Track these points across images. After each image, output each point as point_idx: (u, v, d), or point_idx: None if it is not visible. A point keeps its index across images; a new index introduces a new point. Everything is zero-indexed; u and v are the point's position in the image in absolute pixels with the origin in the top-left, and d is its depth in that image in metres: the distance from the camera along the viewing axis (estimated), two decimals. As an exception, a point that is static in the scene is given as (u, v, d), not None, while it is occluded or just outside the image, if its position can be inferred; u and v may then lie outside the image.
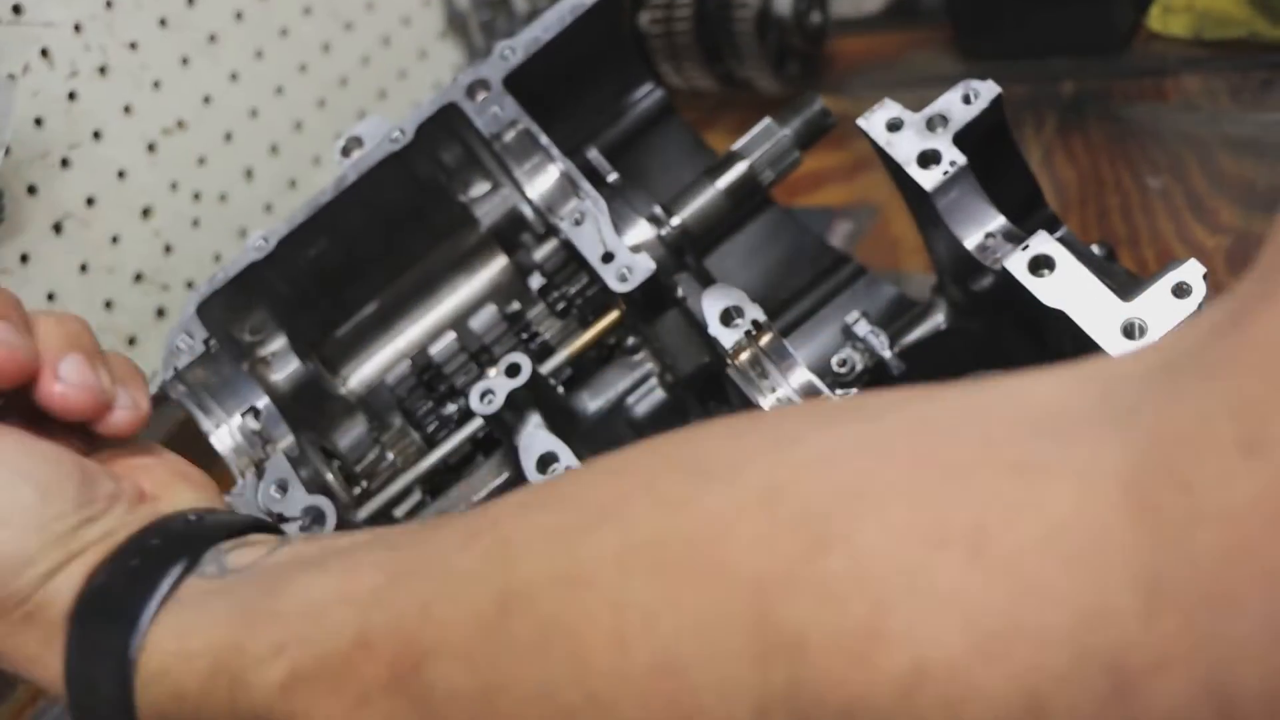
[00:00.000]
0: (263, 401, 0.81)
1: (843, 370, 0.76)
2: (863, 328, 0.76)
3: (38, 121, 1.08)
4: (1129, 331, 0.62)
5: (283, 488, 0.74)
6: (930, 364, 0.79)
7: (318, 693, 0.44)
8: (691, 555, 0.36)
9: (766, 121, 0.84)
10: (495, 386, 0.72)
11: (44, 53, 1.08)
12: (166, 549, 0.55)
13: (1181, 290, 0.62)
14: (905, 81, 1.32)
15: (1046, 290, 0.64)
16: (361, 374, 0.88)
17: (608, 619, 0.37)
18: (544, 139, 0.80)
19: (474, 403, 0.72)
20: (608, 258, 0.75)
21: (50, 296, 1.10)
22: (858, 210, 1.18)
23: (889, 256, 1.10)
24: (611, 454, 0.43)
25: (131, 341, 1.16)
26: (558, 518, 0.40)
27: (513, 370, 0.72)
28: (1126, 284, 0.65)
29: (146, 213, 1.17)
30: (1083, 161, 1.11)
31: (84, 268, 1.12)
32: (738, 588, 0.34)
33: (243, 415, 0.81)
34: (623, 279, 0.74)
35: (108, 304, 1.14)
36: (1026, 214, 0.75)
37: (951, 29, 1.32)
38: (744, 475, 0.36)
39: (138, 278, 1.17)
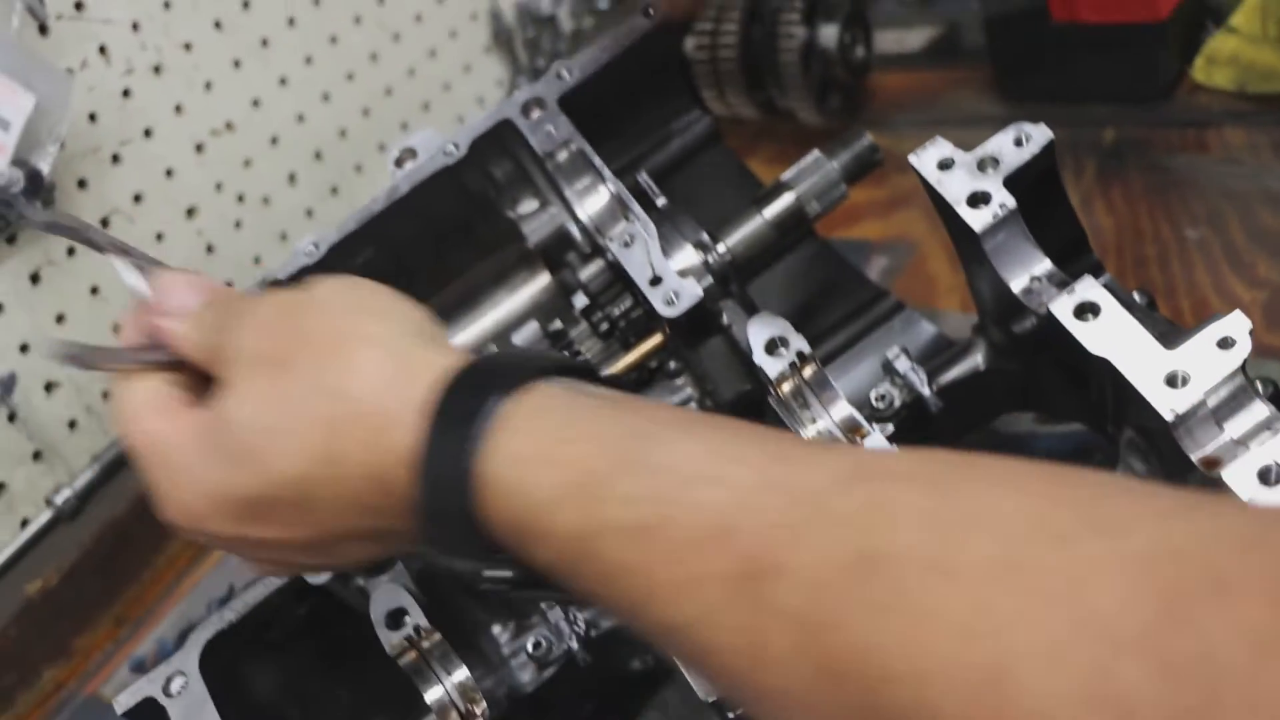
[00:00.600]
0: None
1: (881, 405, 0.77)
2: (903, 364, 0.77)
3: (92, 117, 1.10)
4: (1173, 381, 0.62)
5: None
6: (967, 403, 0.80)
7: (654, 554, 0.46)
8: (1064, 590, 0.38)
9: (815, 154, 0.85)
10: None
11: (102, 49, 1.10)
12: (519, 361, 0.56)
13: (1226, 343, 0.62)
14: (945, 120, 1.33)
15: (1091, 336, 0.65)
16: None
17: (962, 613, 0.39)
18: (596, 160, 0.81)
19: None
20: (655, 281, 0.76)
21: (94, 290, 1.11)
22: (895, 245, 1.18)
23: (925, 293, 1.11)
24: (999, 458, 0.44)
25: (169, 338, 1.17)
26: (939, 506, 0.42)
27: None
28: (1168, 333, 0.66)
29: (191, 212, 1.19)
30: (1121, 209, 1.11)
31: (128, 263, 1.13)
32: (1094, 634, 0.36)
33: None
34: (670, 303, 0.75)
35: (148, 300, 1.15)
36: (1071, 259, 0.76)
37: (993, 69, 1.33)
38: (1132, 536, 0.38)
39: (179, 276, 1.18)
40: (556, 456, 0.50)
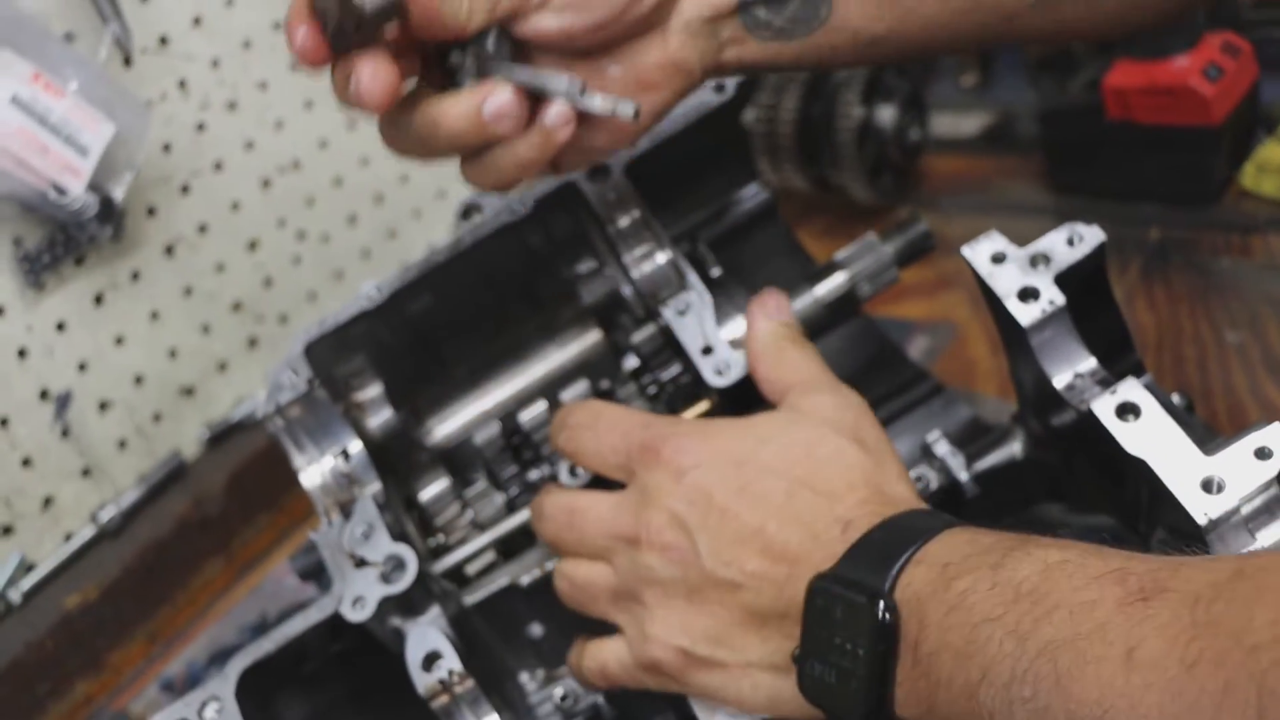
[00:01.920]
0: (355, 445, 0.84)
1: (918, 487, 0.78)
2: (942, 448, 0.79)
3: (166, 147, 1.13)
4: (1208, 486, 0.64)
5: (368, 533, 0.77)
6: (1002, 491, 0.81)
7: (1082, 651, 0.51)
8: None
9: (870, 237, 0.87)
10: (585, 461, 0.75)
11: (181, 84, 1.13)
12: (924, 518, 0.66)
13: (1263, 453, 0.64)
14: (994, 206, 1.35)
15: (1130, 437, 0.67)
16: (448, 428, 0.91)
17: None
18: (658, 227, 0.83)
19: (563, 474, 0.75)
20: (707, 351, 0.78)
21: (154, 315, 1.14)
22: (937, 326, 1.20)
23: (964, 376, 1.13)
24: None
25: (222, 367, 1.20)
26: None
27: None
28: (1204, 437, 0.67)
29: (253, 245, 1.21)
30: (1163, 309, 1.13)
31: (188, 291, 1.17)
32: None
33: (334, 456, 0.84)
34: (719, 373, 0.77)
35: (205, 328, 1.18)
36: (1114, 357, 0.77)
37: (1045, 160, 1.35)
38: None
39: (236, 306, 1.21)
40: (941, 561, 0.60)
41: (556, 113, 0.69)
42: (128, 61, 1.09)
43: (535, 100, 0.69)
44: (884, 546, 0.63)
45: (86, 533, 1.11)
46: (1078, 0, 0.75)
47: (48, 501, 1.09)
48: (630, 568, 0.71)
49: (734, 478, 0.69)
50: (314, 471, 0.84)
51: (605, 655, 0.74)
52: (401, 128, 0.72)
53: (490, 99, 0.68)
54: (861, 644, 0.60)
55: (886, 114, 1.32)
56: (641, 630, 0.71)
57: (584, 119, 0.71)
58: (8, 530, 1.07)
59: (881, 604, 0.60)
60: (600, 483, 0.76)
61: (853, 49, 0.76)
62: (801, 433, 0.71)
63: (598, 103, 0.69)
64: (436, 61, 0.71)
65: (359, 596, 0.74)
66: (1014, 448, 0.82)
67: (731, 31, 0.75)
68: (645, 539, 0.70)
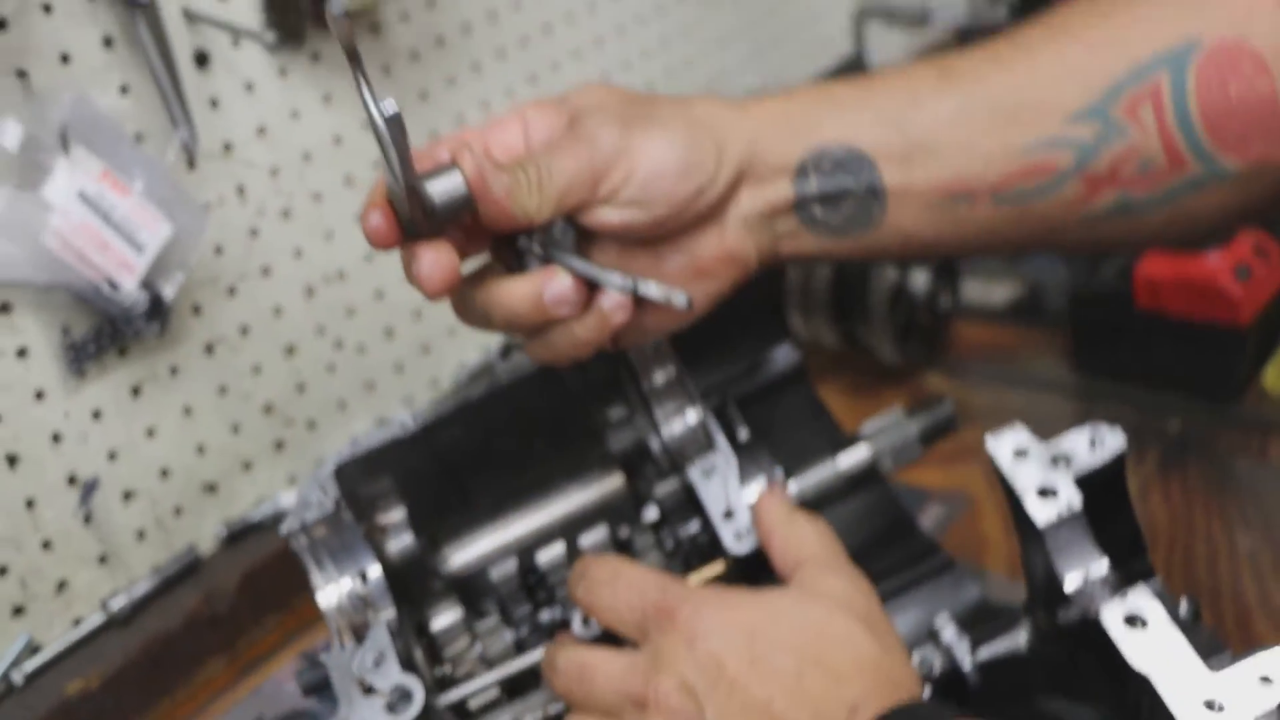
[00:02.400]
0: (374, 570, 0.85)
1: (922, 669, 0.80)
2: (949, 634, 0.80)
3: (218, 250, 1.16)
4: (1210, 705, 0.65)
5: (379, 661, 0.78)
6: (1006, 680, 0.82)
7: None
8: None
9: (897, 413, 0.89)
10: (598, 612, 0.77)
11: (240, 190, 1.17)
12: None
13: (1268, 679, 0.65)
14: (1019, 380, 1.38)
15: (1135, 649, 0.68)
16: (465, 559, 0.93)
17: None
18: (691, 387, 0.85)
19: (575, 623, 0.77)
20: (729, 515, 0.80)
21: (187, 410, 1.16)
22: (952, 498, 1.22)
23: (975, 551, 1.14)
24: None
25: (247, 466, 1.22)
26: None
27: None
28: (1210, 647, 0.69)
29: (290, 350, 1.24)
30: (1178, 504, 1.14)
31: (223, 389, 1.19)
32: None
33: (353, 578, 0.86)
34: (739, 538, 0.79)
35: (235, 427, 1.21)
36: (1125, 559, 0.79)
37: (1072, 338, 1.38)
38: None
39: (267, 409, 1.23)
40: None
41: (613, 300, 0.74)
42: (192, 165, 1.12)
43: (595, 285, 0.73)
44: None
45: (96, 619, 1.12)
46: (1118, 220, 0.78)
47: (62, 585, 1.10)
48: None
49: (746, 650, 0.71)
50: (331, 591, 0.85)
51: None
52: (469, 302, 0.77)
53: (551, 285, 0.73)
54: None
55: (920, 279, 1.35)
56: None
57: (640, 302, 0.75)
58: (19, 610, 1.08)
59: None
60: (613, 637, 0.77)
61: (902, 249, 0.80)
62: (814, 612, 0.72)
63: (653, 291, 0.74)
64: (506, 242, 0.76)
65: (363, 725, 0.75)
66: (1019, 639, 0.83)
67: (788, 226, 0.78)
68: (654, 702, 0.71)
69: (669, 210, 0.75)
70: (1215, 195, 0.78)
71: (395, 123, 0.68)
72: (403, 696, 0.77)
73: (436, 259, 0.73)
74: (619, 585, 0.76)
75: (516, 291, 0.75)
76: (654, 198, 0.74)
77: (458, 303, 0.79)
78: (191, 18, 1.11)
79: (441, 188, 0.72)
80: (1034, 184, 0.78)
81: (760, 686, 0.69)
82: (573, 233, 0.76)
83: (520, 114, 0.79)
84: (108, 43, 1.07)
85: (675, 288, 0.75)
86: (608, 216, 0.75)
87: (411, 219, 0.72)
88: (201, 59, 1.13)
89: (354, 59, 0.67)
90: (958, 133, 0.77)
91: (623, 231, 0.76)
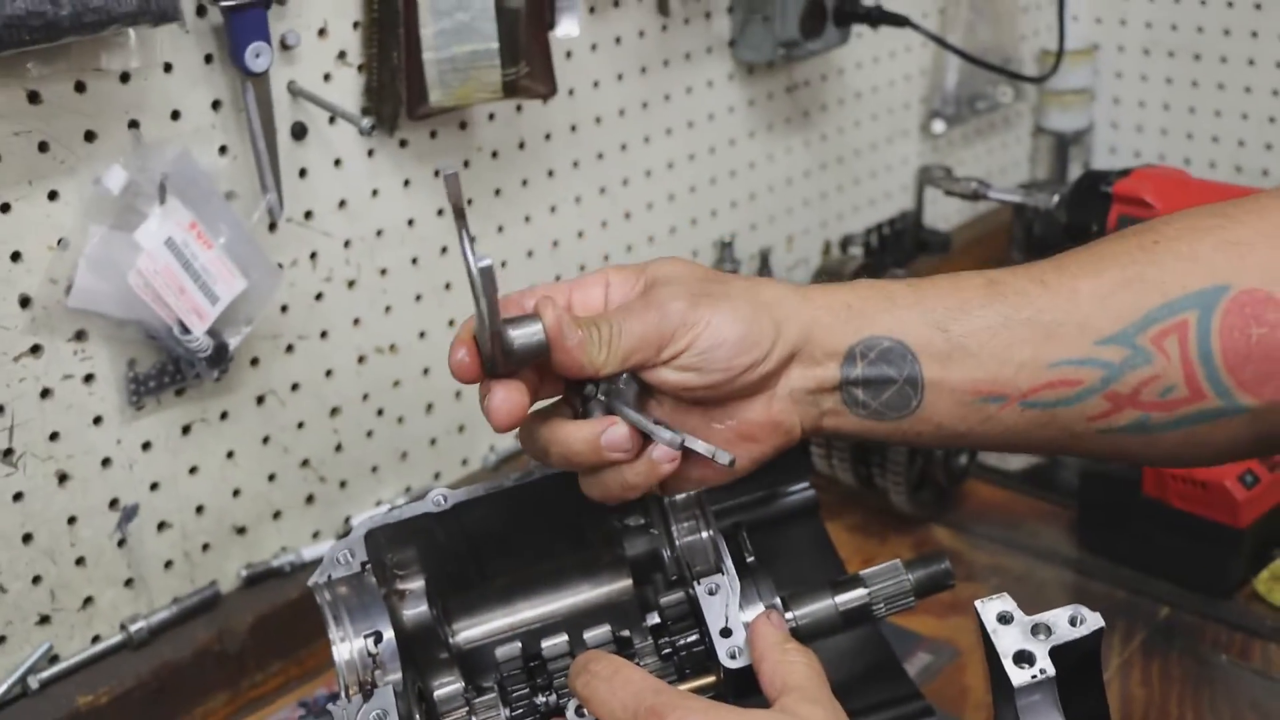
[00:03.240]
0: (388, 633, 0.90)
1: (887, 806, 0.84)
2: (918, 786, 0.84)
3: (284, 308, 1.23)
4: None
5: (381, 718, 0.83)
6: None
7: None
8: None
9: (896, 563, 0.93)
10: (591, 705, 0.81)
11: (313, 255, 1.24)
12: None
13: None
14: (1021, 545, 1.42)
15: (1086, 816, 0.72)
16: (473, 634, 0.98)
17: None
18: (708, 510, 0.91)
19: (570, 712, 0.82)
20: (726, 633, 0.85)
21: (230, 454, 1.22)
22: (941, 647, 1.26)
23: (955, 702, 1.18)
24: None
25: (277, 515, 1.28)
26: None
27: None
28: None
29: (335, 412, 1.30)
30: (1156, 686, 1.19)
31: (266, 440, 1.25)
32: None
33: (366, 637, 0.91)
34: (733, 657, 0.83)
35: (271, 477, 1.27)
36: (1090, 734, 0.83)
37: (1078, 513, 1.42)
38: None
39: (304, 463, 1.29)
40: None
41: (663, 452, 0.82)
42: (273, 227, 1.20)
43: (648, 436, 0.82)
44: None
45: (114, 639, 1.17)
46: (1136, 437, 0.84)
47: (88, 601, 1.16)
48: None
49: None
50: (346, 648, 0.90)
51: None
52: (533, 434, 0.85)
53: (609, 432, 0.81)
54: None
55: (940, 436, 1.40)
56: None
57: (687, 455, 0.83)
58: (45, 619, 1.14)
59: None
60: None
61: (934, 437, 0.87)
62: None
63: (700, 447, 0.82)
64: (575, 388, 0.85)
65: (359, 778, 0.80)
66: (983, 794, 0.87)
67: (832, 404, 0.86)
68: None
69: (723, 378, 0.82)
70: (1230, 427, 0.84)
71: (487, 274, 0.76)
72: (398, 756, 0.81)
73: (507, 396, 0.80)
74: (616, 682, 0.81)
75: (577, 434, 0.82)
76: (711, 365, 0.82)
77: (523, 434, 0.86)
78: (296, 92, 1.19)
79: (522, 334, 0.80)
80: (1060, 395, 0.84)
81: None
82: (635, 386, 0.83)
83: (604, 275, 0.87)
84: (215, 105, 1.14)
85: (721, 448, 0.83)
86: (667, 376, 0.82)
87: (492, 358, 0.80)
88: (299, 132, 1.20)
89: (460, 216, 0.76)
90: (996, 341, 0.83)
91: (679, 392, 0.83)
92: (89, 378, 1.12)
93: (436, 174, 1.32)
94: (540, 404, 0.86)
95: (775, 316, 0.84)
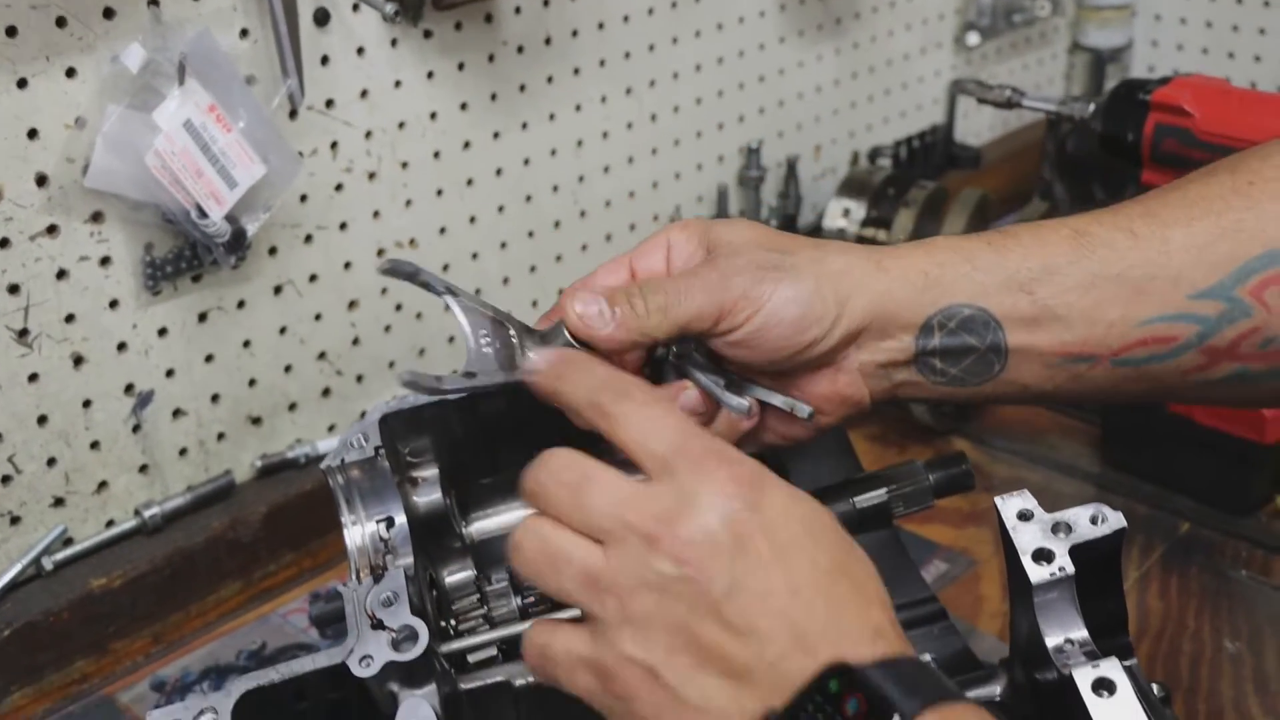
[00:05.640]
0: (401, 517, 0.90)
1: (898, 701, 0.83)
2: (929, 672, 0.84)
3: (303, 198, 1.21)
4: (1159, 778, 0.68)
5: (391, 601, 0.82)
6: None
7: None
8: None
9: (916, 463, 0.93)
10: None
11: (333, 145, 1.22)
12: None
13: (1215, 762, 0.68)
14: (1042, 460, 1.41)
15: (1100, 711, 0.71)
16: (486, 525, 0.97)
17: None
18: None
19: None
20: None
21: (246, 344, 1.22)
22: (957, 556, 1.25)
23: (970, 610, 1.17)
24: None
25: (293, 407, 1.27)
26: None
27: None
28: (1171, 732, 0.72)
29: (353, 304, 1.29)
30: (1173, 600, 1.18)
31: (283, 330, 1.24)
32: None
33: (378, 522, 0.90)
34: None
35: (288, 368, 1.26)
36: (1107, 634, 0.82)
37: (1100, 430, 1.41)
38: None
39: (321, 355, 1.28)
40: None
41: (740, 407, 0.82)
42: (293, 115, 1.18)
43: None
44: (912, 676, 0.62)
45: (128, 524, 1.17)
46: (1234, 386, 0.82)
47: (102, 486, 1.16)
48: (633, 563, 0.65)
49: (783, 530, 0.66)
50: (357, 532, 0.90)
51: (555, 637, 0.70)
52: None
53: (682, 397, 0.82)
54: None
55: (964, 346, 1.38)
56: (612, 634, 0.66)
57: (767, 409, 0.83)
58: (59, 501, 1.14)
59: None
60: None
61: (1019, 397, 0.85)
62: (827, 519, 0.70)
63: (778, 400, 0.82)
64: (648, 359, 0.86)
65: (368, 655, 0.79)
66: (994, 690, 0.87)
67: (905, 376, 0.84)
68: (668, 540, 0.65)
69: (778, 356, 0.80)
70: None
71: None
72: (409, 636, 0.81)
73: None
74: (646, 413, 0.71)
75: None
76: (765, 344, 0.80)
77: None
78: (319, -24, 1.17)
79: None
80: (1153, 351, 0.81)
81: (788, 575, 0.64)
82: (704, 351, 0.83)
83: (664, 237, 0.85)
84: (238, -14, 1.13)
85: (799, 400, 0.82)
86: (723, 349, 0.81)
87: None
88: (321, 17, 1.18)
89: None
90: (1085, 301, 0.80)
91: (734, 366, 0.82)
92: (105, 260, 1.11)
93: (461, 67, 1.30)
94: None
95: (841, 292, 0.80)
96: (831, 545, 0.68)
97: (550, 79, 1.40)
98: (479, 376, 0.81)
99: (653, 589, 0.65)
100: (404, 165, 1.29)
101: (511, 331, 0.84)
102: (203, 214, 1.10)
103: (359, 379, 1.32)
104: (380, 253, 1.30)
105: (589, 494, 0.69)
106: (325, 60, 1.20)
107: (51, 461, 1.12)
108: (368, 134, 1.25)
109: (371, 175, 1.27)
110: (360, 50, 1.23)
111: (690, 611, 0.64)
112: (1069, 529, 0.80)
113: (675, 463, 0.67)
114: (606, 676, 0.66)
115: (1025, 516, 0.81)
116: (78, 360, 1.11)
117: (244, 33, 1.14)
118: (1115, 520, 0.80)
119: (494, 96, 1.35)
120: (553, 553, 0.69)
